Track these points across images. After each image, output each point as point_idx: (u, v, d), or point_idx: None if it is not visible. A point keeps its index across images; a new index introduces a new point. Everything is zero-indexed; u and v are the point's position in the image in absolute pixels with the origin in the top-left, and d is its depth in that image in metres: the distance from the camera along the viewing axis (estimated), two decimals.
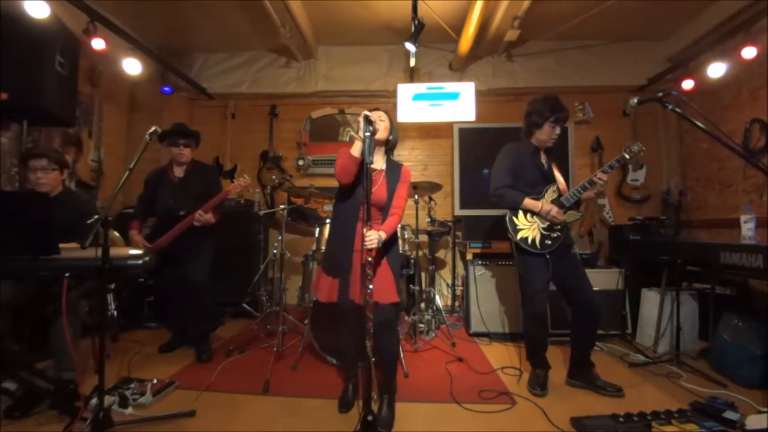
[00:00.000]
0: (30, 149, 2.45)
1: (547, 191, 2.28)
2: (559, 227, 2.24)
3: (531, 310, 2.25)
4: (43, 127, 3.08)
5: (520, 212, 2.27)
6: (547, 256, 2.21)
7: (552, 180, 2.31)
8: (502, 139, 2.50)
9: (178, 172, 2.79)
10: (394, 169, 1.97)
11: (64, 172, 2.26)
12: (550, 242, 2.22)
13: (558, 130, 2.26)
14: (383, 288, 1.84)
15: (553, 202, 2.25)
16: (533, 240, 2.22)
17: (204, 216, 2.62)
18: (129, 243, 2.69)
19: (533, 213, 2.25)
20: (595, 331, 2.32)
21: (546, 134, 2.26)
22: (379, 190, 1.89)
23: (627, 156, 2.18)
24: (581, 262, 2.35)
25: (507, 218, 2.29)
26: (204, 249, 2.76)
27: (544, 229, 2.24)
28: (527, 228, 2.25)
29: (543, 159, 2.34)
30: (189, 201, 2.66)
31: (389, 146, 2.00)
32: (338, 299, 1.89)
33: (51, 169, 2.17)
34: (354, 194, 1.90)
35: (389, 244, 1.91)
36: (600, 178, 2.17)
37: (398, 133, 2.05)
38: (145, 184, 2.84)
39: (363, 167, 1.68)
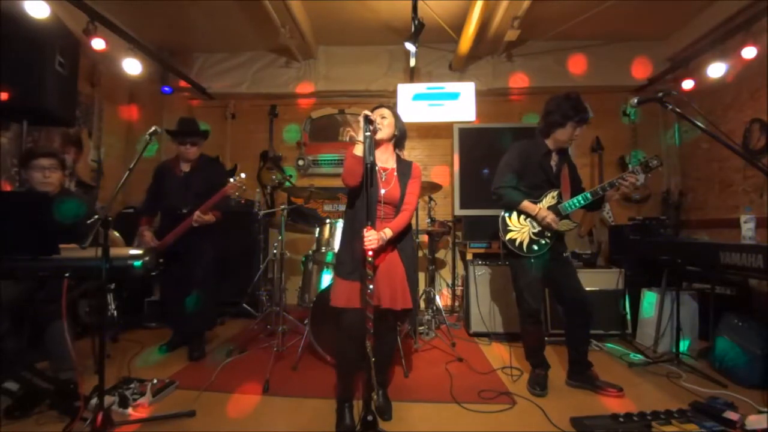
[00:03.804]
0: (36, 148, 2.46)
1: (546, 196, 2.25)
2: (549, 235, 2.22)
3: (523, 308, 2.26)
4: (43, 127, 3.08)
5: (515, 213, 2.27)
6: (531, 260, 2.20)
7: (556, 185, 2.27)
8: (502, 139, 2.50)
9: (185, 167, 2.80)
10: (405, 167, 1.96)
11: (65, 173, 2.31)
12: (536, 248, 2.21)
13: (578, 131, 2.19)
14: (397, 293, 1.81)
15: (549, 208, 2.22)
16: (520, 243, 2.22)
17: (203, 217, 2.61)
18: (138, 238, 2.71)
19: (528, 216, 2.24)
20: (589, 330, 2.32)
21: (567, 135, 2.19)
22: (393, 188, 1.88)
23: (639, 168, 2.13)
24: (572, 263, 2.35)
25: (500, 217, 2.29)
26: (205, 249, 2.77)
27: (534, 234, 2.22)
28: (517, 231, 2.24)
29: (554, 161, 2.28)
30: (192, 197, 2.65)
31: (397, 141, 1.97)
32: (361, 304, 1.73)
33: (57, 169, 2.22)
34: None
35: (403, 242, 1.90)
36: (626, 179, 2.11)
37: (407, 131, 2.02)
38: (153, 176, 2.85)
39: (365, 167, 1.68)
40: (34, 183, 2.19)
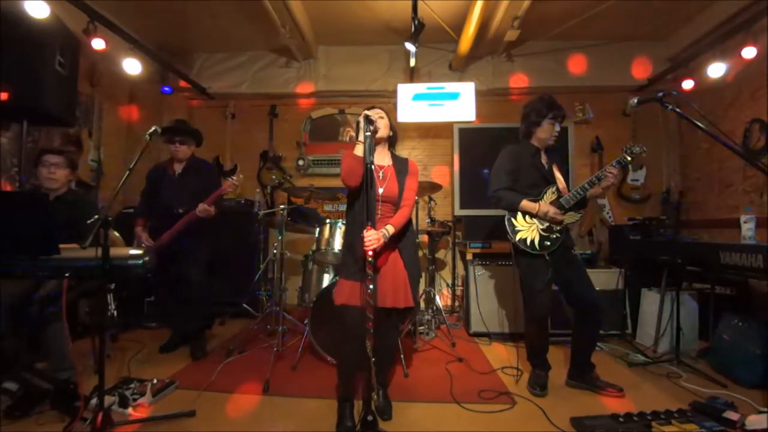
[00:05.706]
0: (47, 146, 2.62)
1: (546, 192, 2.27)
2: (558, 228, 2.23)
3: (532, 312, 2.25)
4: (43, 127, 3.08)
5: (519, 213, 2.26)
6: (547, 257, 2.20)
7: (552, 181, 2.30)
8: (502, 139, 2.51)
9: (178, 168, 2.81)
10: (401, 163, 1.97)
11: (73, 173, 2.36)
12: (549, 243, 2.21)
13: (557, 127, 2.27)
14: (399, 291, 1.82)
15: (552, 203, 2.24)
16: (532, 241, 2.21)
17: (208, 209, 2.63)
18: (136, 240, 2.73)
19: (531, 215, 2.25)
20: (597, 333, 2.33)
21: (547, 132, 2.26)
22: (390, 185, 1.89)
23: (628, 158, 2.18)
24: (583, 264, 2.35)
25: (506, 219, 2.28)
26: (201, 248, 2.78)
27: (543, 230, 2.23)
28: (526, 229, 2.24)
29: (544, 160, 2.33)
30: (186, 197, 2.67)
31: (391, 142, 2.02)
32: (361, 303, 1.74)
33: (63, 166, 2.28)
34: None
35: (403, 240, 1.90)
36: (610, 172, 2.16)
37: (398, 132, 2.07)
38: (146, 180, 2.86)
39: (365, 167, 1.68)
40: (40, 179, 2.25)
